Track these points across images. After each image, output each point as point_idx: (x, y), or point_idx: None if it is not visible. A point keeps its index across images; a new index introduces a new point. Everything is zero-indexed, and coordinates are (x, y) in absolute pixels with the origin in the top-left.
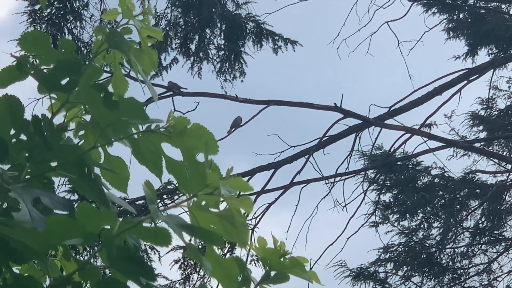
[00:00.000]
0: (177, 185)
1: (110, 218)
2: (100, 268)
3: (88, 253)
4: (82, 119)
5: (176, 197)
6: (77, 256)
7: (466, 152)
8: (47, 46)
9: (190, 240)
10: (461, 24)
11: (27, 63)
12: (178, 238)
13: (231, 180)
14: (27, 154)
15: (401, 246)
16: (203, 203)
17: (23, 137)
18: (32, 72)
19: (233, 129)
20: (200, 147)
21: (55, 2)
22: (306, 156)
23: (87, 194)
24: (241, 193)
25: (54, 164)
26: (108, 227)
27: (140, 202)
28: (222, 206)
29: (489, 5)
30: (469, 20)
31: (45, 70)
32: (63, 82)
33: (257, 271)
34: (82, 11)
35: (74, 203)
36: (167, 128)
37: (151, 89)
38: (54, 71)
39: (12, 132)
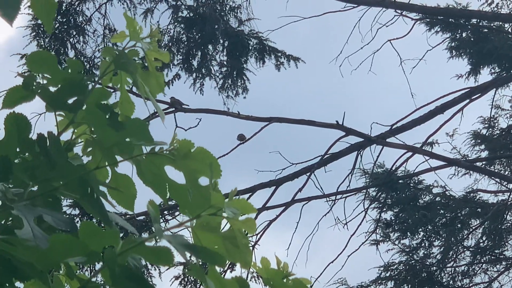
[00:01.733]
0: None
1: (113, 237)
2: (101, 285)
3: (89, 270)
4: (91, 136)
5: (177, 213)
6: (81, 271)
7: (468, 171)
8: (53, 66)
9: (190, 258)
10: (464, 43)
11: (34, 82)
12: (179, 255)
13: (234, 201)
14: (30, 173)
15: (401, 264)
16: (206, 223)
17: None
18: (38, 91)
19: (242, 141)
20: (203, 170)
21: (59, 17)
22: (308, 174)
23: (91, 213)
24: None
25: (58, 182)
26: (111, 245)
27: (141, 217)
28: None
29: (492, 24)
30: (472, 39)
31: (51, 90)
32: (70, 101)
33: None
34: (85, 26)
35: (75, 218)
36: (171, 151)
37: (159, 111)
38: (60, 91)
39: (17, 150)
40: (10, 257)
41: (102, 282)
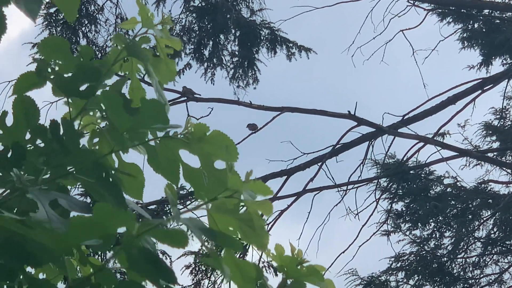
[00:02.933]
0: (190, 190)
1: (127, 219)
2: (114, 270)
3: (100, 256)
4: (97, 127)
5: (188, 202)
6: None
7: (479, 162)
8: (66, 52)
9: (206, 242)
10: (476, 33)
11: (46, 68)
12: (191, 243)
13: (251, 184)
14: (44, 159)
15: (412, 255)
16: (222, 206)
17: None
18: (51, 77)
19: (253, 131)
20: (219, 154)
21: None
22: (319, 164)
23: (102, 198)
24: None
25: (70, 168)
26: (125, 228)
27: (152, 206)
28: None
29: (504, 15)
30: (484, 30)
31: (64, 76)
32: (82, 88)
33: (267, 277)
34: (97, 15)
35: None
36: (186, 134)
37: (164, 99)
38: (73, 77)
39: (28, 136)
40: (25, 242)
41: (116, 267)
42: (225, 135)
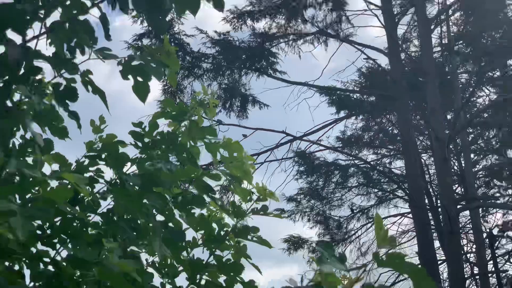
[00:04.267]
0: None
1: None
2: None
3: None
4: (180, 129)
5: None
6: None
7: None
8: (174, 105)
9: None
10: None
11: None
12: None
13: (231, 143)
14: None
15: None
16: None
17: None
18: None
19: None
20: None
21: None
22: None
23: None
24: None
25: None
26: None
27: None
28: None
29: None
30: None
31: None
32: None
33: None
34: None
35: None
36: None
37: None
38: (176, 116)
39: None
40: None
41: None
42: (240, 144)
